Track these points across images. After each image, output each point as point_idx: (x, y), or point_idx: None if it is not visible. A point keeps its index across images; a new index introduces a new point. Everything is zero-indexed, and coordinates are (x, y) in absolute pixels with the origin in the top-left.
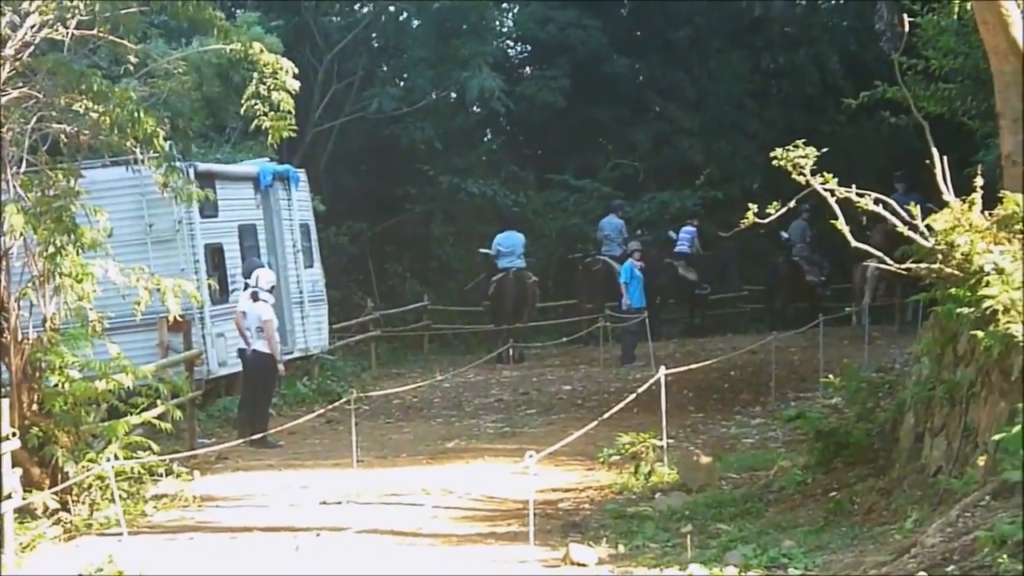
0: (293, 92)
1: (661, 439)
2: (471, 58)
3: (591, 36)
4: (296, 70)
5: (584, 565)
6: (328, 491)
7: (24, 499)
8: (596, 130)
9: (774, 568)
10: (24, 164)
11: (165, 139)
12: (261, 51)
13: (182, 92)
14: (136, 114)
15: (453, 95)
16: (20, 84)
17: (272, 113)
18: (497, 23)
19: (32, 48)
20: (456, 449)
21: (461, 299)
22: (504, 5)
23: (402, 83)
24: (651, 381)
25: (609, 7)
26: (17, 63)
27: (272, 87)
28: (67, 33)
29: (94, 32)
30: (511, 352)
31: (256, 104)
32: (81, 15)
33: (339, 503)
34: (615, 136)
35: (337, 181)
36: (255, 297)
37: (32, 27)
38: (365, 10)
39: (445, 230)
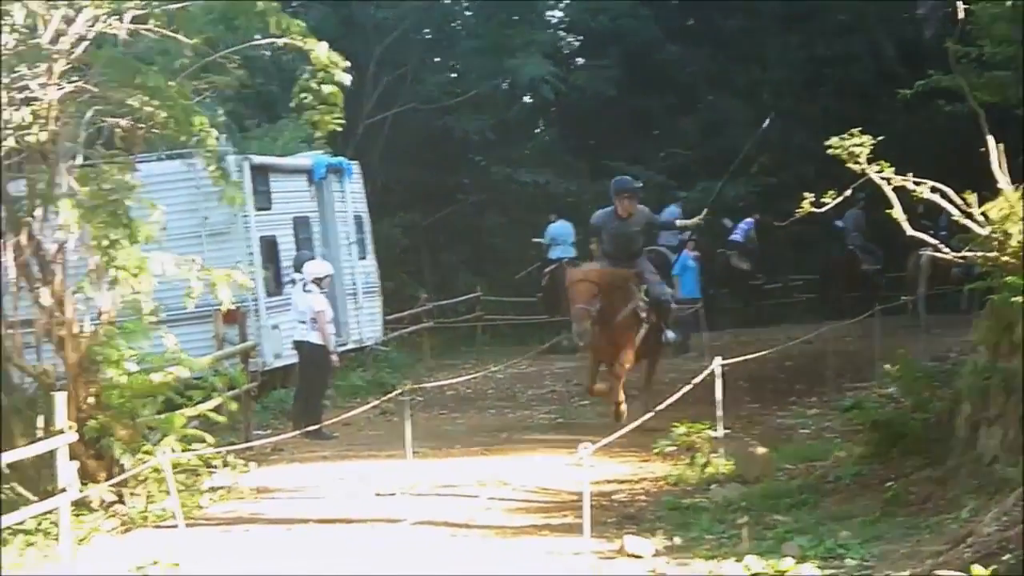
0: (344, 85)
1: (716, 430)
2: (523, 47)
3: (643, 25)
4: (347, 63)
5: (640, 557)
6: (383, 483)
7: (81, 492)
8: (648, 119)
9: (831, 559)
10: (80, 158)
11: (219, 133)
12: (315, 44)
13: (236, 85)
14: (190, 108)
15: (505, 85)
16: (75, 78)
17: (321, 106)
18: (549, 13)
19: (87, 42)
20: (510, 440)
21: (514, 290)
22: None
23: (454, 74)
24: (706, 372)
25: None
26: (72, 57)
27: (322, 80)
28: (122, 27)
29: (149, 26)
30: (564, 343)
31: (306, 97)
32: (136, 9)
33: (393, 495)
34: (667, 125)
35: (390, 172)
36: (304, 289)
37: (87, 21)
38: (416, 0)
39: (498, 220)
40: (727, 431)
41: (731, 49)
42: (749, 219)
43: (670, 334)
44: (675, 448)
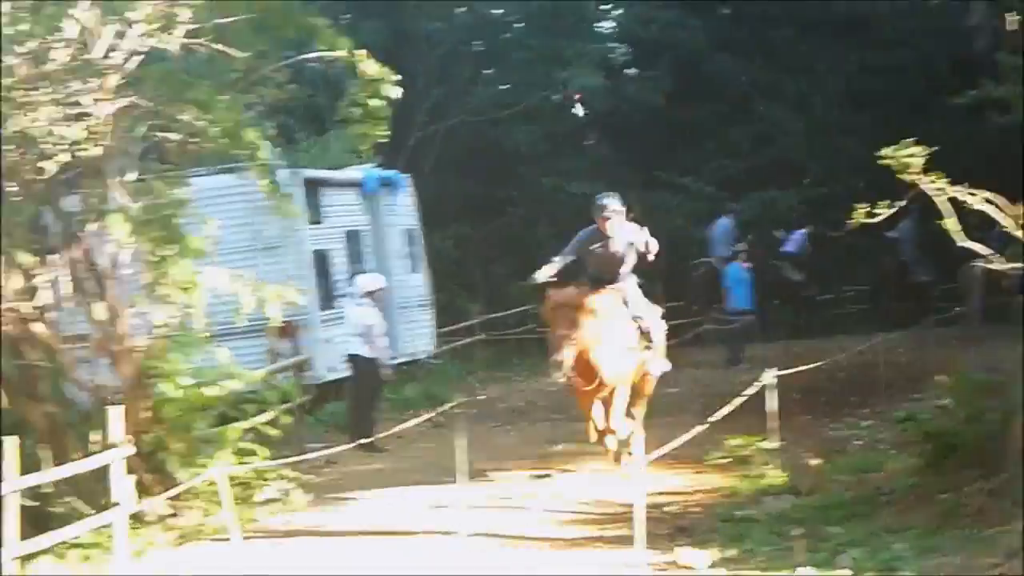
0: (392, 99)
1: (770, 442)
2: (573, 59)
3: (692, 36)
4: (397, 76)
5: (693, 569)
6: (436, 495)
7: (136, 505)
8: (698, 130)
9: (885, 571)
10: (133, 173)
11: (271, 147)
12: (365, 58)
13: (287, 99)
14: (241, 122)
15: (555, 97)
16: (128, 93)
17: (368, 120)
18: (599, 24)
19: (139, 57)
20: (562, 452)
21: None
22: (605, 6)
23: (505, 85)
24: (759, 384)
25: (710, 6)
26: (124, 72)
27: (371, 94)
28: (173, 42)
29: (200, 41)
30: None
31: (353, 111)
32: (188, 24)
33: (446, 507)
34: (717, 136)
35: (441, 185)
36: (356, 303)
37: (139, 36)
38: (467, 12)
39: (549, 232)
40: (780, 443)
41: (781, 60)
42: (801, 230)
43: (659, 363)
44: (728, 460)
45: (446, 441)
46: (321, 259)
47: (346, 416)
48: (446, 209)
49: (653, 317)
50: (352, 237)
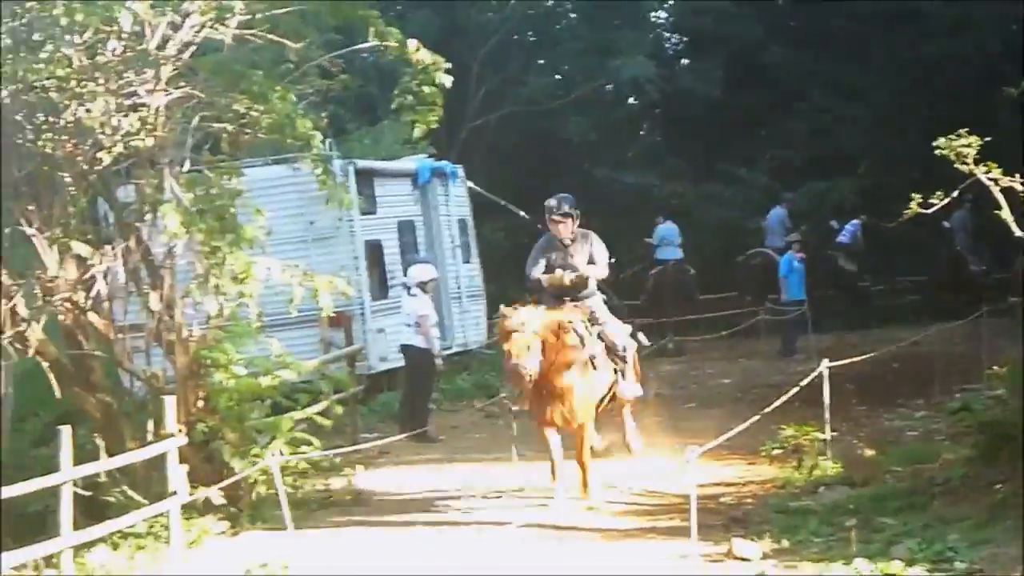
0: (445, 87)
1: (824, 432)
2: (627, 48)
3: (747, 27)
4: (448, 65)
5: (747, 560)
6: (489, 485)
7: (190, 495)
8: (752, 121)
9: (940, 562)
10: (187, 164)
11: (324, 138)
12: (417, 49)
13: (339, 89)
14: (295, 112)
15: (608, 87)
16: (182, 84)
17: (421, 107)
18: (653, 14)
19: (193, 48)
20: (616, 443)
21: (617, 292)
22: None
23: (557, 75)
24: (813, 374)
25: None
26: (178, 63)
27: (423, 81)
28: (227, 33)
29: (254, 31)
30: (669, 346)
31: (406, 98)
32: (241, 14)
33: (500, 497)
34: (772, 127)
35: (493, 175)
36: (409, 293)
37: (193, 27)
38: (519, 2)
39: (601, 223)
40: (834, 433)
41: (836, 50)
42: (856, 220)
43: (630, 387)
44: (782, 451)
45: (498, 431)
46: (374, 249)
47: (399, 406)
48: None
49: (622, 335)
50: (405, 227)
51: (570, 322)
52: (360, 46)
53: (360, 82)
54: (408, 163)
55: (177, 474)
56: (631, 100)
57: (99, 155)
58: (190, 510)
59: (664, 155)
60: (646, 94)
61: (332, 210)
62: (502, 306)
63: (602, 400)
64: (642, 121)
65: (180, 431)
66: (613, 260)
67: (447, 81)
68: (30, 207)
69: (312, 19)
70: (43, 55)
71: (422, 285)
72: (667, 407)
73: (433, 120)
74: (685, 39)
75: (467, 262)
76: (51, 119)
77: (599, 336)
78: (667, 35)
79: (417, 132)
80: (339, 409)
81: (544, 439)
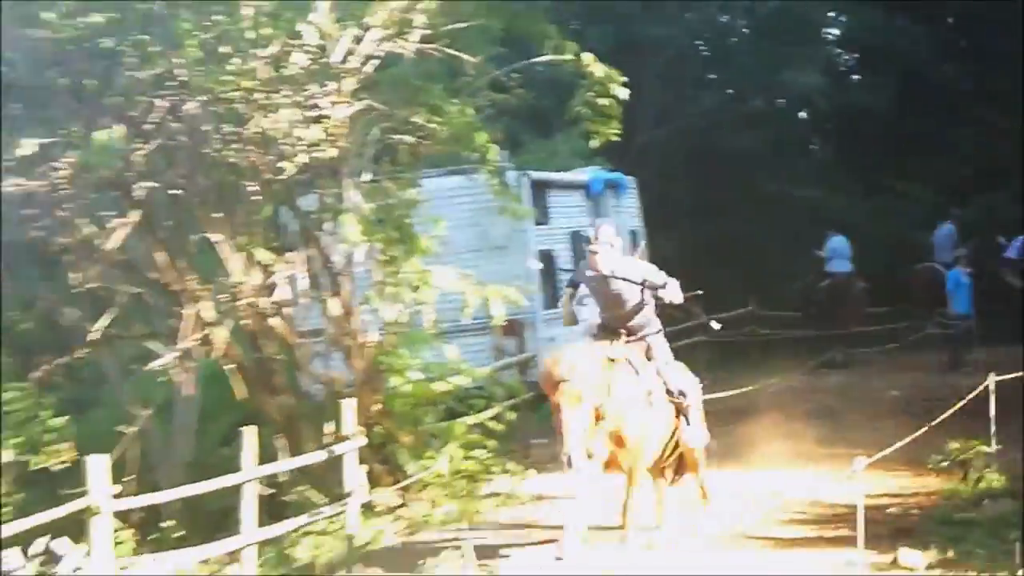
0: (620, 99)
1: (989, 446)
2: (798, 64)
3: (917, 43)
4: (626, 79)
5: (912, 570)
6: (652, 494)
7: (367, 495)
8: (921, 136)
9: None
10: (367, 174)
11: (499, 149)
12: (593, 62)
13: (516, 103)
14: (472, 125)
15: (780, 101)
16: (363, 96)
17: (598, 118)
18: (825, 30)
19: (375, 61)
20: (782, 453)
21: (786, 305)
22: (831, 14)
23: (730, 90)
24: (980, 388)
25: (936, 15)
26: (361, 76)
27: (599, 93)
28: (408, 47)
29: (434, 46)
30: (838, 357)
31: (582, 110)
32: (422, 29)
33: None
34: (940, 142)
35: (665, 187)
36: (581, 303)
37: (375, 41)
38: (692, 16)
39: (769, 236)
40: (1000, 447)
41: (1005, 66)
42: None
43: (696, 433)
44: (948, 463)
45: None
46: (546, 259)
47: None
48: (669, 211)
49: (684, 376)
50: (577, 238)
51: (624, 357)
52: (536, 59)
53: (534, 96)
54: (581, 175)
55: (355, 475)
56: (801, 114)
57: (282, 165)
58: (367, 510)
59: (833, 169)
60: (817, 109)
61: (506, 220)
62: (544, 360)
63: (665, 449)
64: (812, 136)
65: (358, 433)
66: (700, 292)
67: (623, 94)
68: (216, 215)
69: (487, 34)
70: (230, 67)
71: None
72: (834, 418)
73: (611, 132)
74: (856, 55)
75: None
76: (237, 130)
77: (657, 373)
78: (838, 51)
79: (594, 143)
80: (511, 415)
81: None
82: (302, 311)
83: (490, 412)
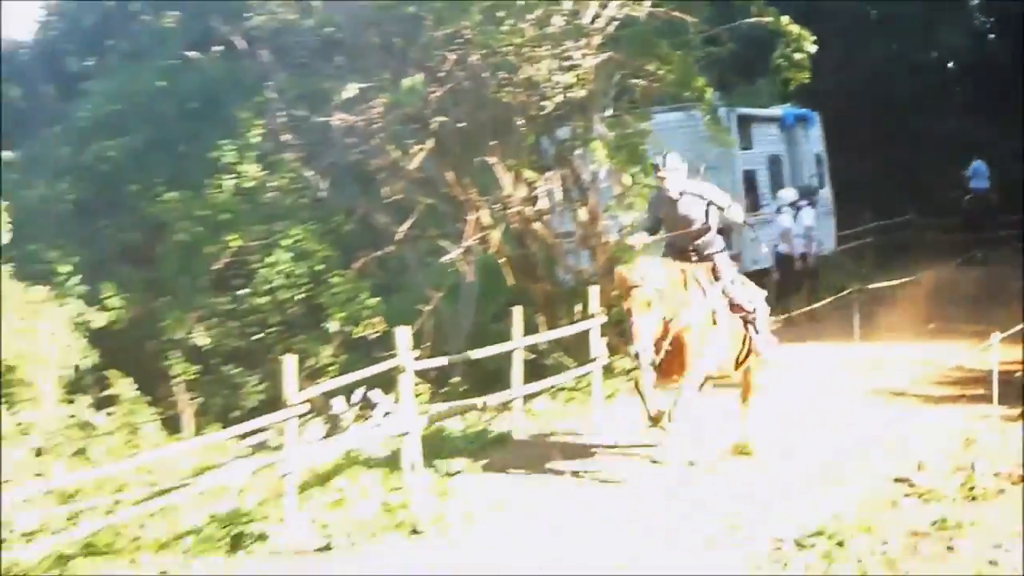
0: (809, 53)
1: None
2: (948, 25)
3: None
4: (815, 37)
5: None
6: (832, 359)
7: (607, 360)
8: None
9: None
10: (609, 111)
11: (713, 91)
12: (788, 23)
13: (726, 55)
14: (692, 72)
15: (934, 54)
16: (607, 49)
17: (793, 68)
18: None
19: (616, 22)
20: (934, 330)
21: (937, 214)
22: None
23: (894, 46)
24: None
25: None
26: (605, 34)
27: (794, 49)
28: (642, 10)
29: (663, 9)
30: (978, 256)
31: (780, 62)
32: None
33: (846, 367)
34: None
35: (842, 123)
36: (777, 211)
37: (617, 6)
38: None
39: (925, 161)
40: None
41: None
42: None
43: (765, 342)
44: None
45: (845, 319)
46: (749, 177)
47: (772, 295)
48: (846, 141)
49: (748, 292)
50: (774, 161)
51: (689, 276)
52: (744, 21)
53: (740, 48)
54: (776, 111)
55: (598, 344)
56: (950, 65)
57: (543, 103)
58: (607, 372)
59: (975, 109)
60: (962, 61)
61: (718, 147)
62: (618, 268)
63: (738, 356)
64: (958, 82)
65: (600, 312)
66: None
67: (811, 49)
68: (492, 142)
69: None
70: (504, 28)
71: (787, 205)
72: (974, 303)
73: (802, 78)
74: (992, 18)
75: (821, 188)
76: (509, 76)
77: (723, 292)
78: (979, 15)
79: (788, 87)
80: None
81: (647, 386)
82: (557, 217)
83: None
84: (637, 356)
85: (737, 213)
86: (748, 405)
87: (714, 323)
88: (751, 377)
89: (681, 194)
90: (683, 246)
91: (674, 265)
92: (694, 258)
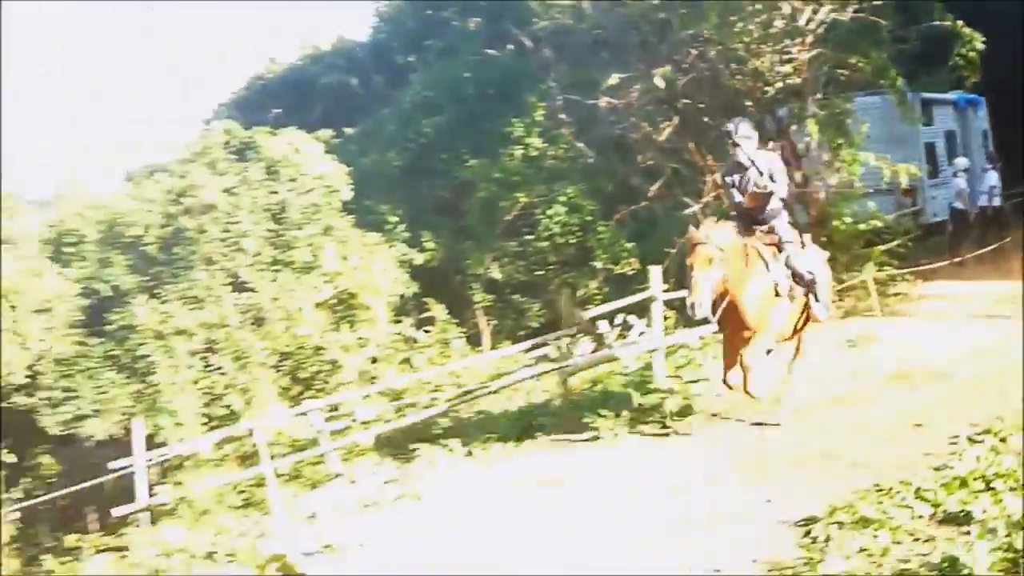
0: (979, 51)
1: None
2: None
3: None
4: (983, 38)
5: None
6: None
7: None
8: None
9: None
10: (819, 94)
11: (902, 79)
12: (962, 25)
13: (908, 50)
14: (887, 64)
15: None
16: (817, 46)
17: (967, 65)
18: None
19: (825, 24)
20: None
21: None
22: None
23: None
24: None
25: None
26: (816, 33)
27: (968, 49)
28: (846, 14)
29: (862, 15)
30: None
31: (957, 59)
32: (855, 3)
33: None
34: None
35: (1003, 106)
36: (953, 175)
37: (826, 11)
38: None
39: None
40: None
41: None
42: None
43: (821, 309)
44: None
45: (1005, 262)
46: (930, 148)
47: (946, 245)
48: (1008, 118)
49: (813, 260)
50: (949, 135)
51: (754, 241)
52: (926, 24)
53: (921, 45)
54: (951, 95)
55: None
56: None
57: (767, 89)
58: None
59: None
60: None
61: (905, 124)
62: (691, 227)
63: (797, 321)
64: None
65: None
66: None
67: (980, 47)
68: (725, 120)
69: (893, 7)
70: (736, 29)
71: (961, 171)
72: None
73: (975, 76)
74: None
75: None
76: (739, 67)
77: (785, 263)
78: None
79: (967, 81)
80: (906, 246)
81: (725, 348)
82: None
83: (894, 243)
84: (692, 308)
85: (782, 189)
86: (793, 370)
87: (776, 294)
88: (803, 342)
89: (752, 161)
90: (748, 211)
91: (738, 239)
92: (759, 229)
